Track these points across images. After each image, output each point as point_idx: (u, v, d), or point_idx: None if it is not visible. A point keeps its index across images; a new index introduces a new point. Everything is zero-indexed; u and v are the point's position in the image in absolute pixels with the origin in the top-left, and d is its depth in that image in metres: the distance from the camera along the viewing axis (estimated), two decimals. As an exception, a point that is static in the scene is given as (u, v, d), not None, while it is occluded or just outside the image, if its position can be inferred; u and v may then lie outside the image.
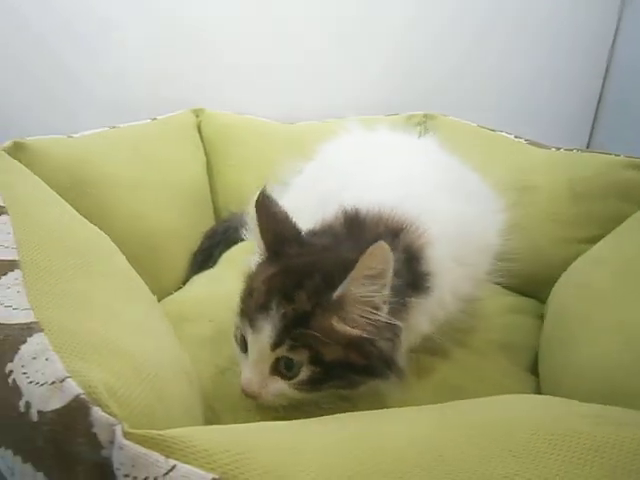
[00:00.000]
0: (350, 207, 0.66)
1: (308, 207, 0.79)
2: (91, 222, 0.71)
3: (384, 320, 0.55)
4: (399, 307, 0.57)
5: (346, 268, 0.53)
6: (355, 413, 0.48)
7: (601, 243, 0.79)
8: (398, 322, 0.56)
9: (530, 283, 0.93)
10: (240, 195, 1.17)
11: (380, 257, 0.51)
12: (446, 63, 1.43)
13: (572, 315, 0.65)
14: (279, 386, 0.57)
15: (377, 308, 0.54)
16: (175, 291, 0.92)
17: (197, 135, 1.21)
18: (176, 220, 0.98)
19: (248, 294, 0.59)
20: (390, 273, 0.53)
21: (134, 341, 0.44)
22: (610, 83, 1.44)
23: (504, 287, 0.97)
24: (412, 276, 0.60)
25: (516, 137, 1.08)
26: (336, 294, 0.54)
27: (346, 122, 0.95)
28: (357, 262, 0.51)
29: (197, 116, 1.23)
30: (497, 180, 0.85)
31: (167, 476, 0.31)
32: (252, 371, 0.57)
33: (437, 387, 0.66)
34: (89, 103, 1.23)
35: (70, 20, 1.20)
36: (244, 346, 0.58)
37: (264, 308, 0.55)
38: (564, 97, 1.49)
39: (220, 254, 1.05)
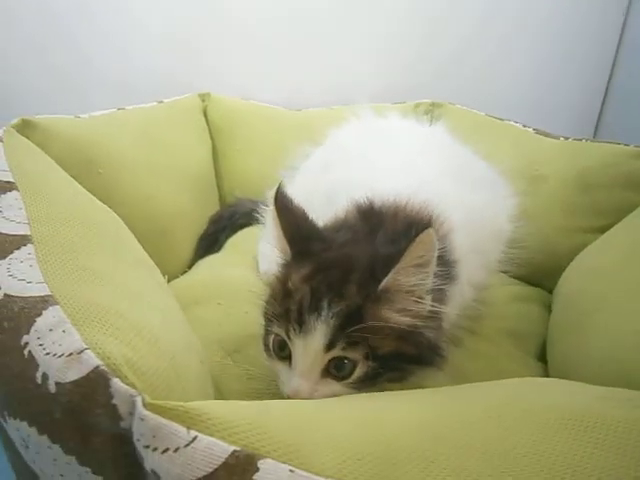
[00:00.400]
0: (363, 199, 0.64)
1: (318, 192, 0.79)
2: (103, 200, 0.71)
3: (431, 308, 0.54)
4: (439, 296, 0.56)
5: (390, 258, 0.51)
6: (366, 394, 0.48)
7: (612, 231, 0.79)
8: (444, 309, 0.56)
9: (537, 272, 0.92)
10: (246, 180, 1.17)
11: (428, 245, 0.50)
12: (450, 50, 1.41)
13: (585, 298, 0.65)
14: (332, 388, 0.53)
15: (423, 297, 0.54)
16: (181, 275, 0.91)
17: (203, 119, 1.20)
18: (183, 203, 0.98)
19: (284, 297, 0.55)
20: (435, 261, 0.52)
21: (149, 317, 0.44)
22: (617, 72, 1.44)
23: (511, 276, 0.97)
24: (442, 265, 0.58)
25: (524, 126, 1.08)
26: (383, 285, 0.52)
27: (356, 108, 0.94)
28: (404, 251, 0.50)
29: (203, 100, 1.22)
30: (505, 169, 0.85)
31: (189, 447, 0.31)
32: (301, 378, 0.53)
33: (450, 375, 0.65)
34: (98, 84, 1.23)
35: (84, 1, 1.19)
36: (281, 353, 0.55)
37: (313, 309, 0.51)
38: (571, 86, 1.48)
39: (226, 239, 1.05)
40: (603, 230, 0.83)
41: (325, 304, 0.51)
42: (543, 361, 0.72)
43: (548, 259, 0.90)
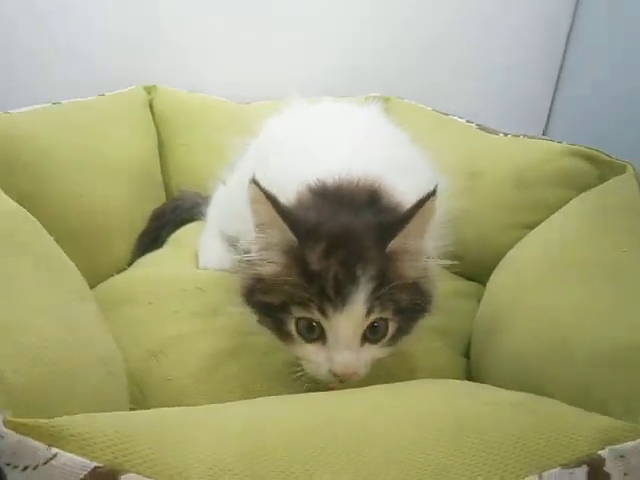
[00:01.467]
0: (313, 182, 0.65)
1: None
2: (24, 201, 0.69)
3: (424, 263, 0.60)
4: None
5: (398, 222, 0.56)
6: (249, 401, 0.48)
7: (535, 230, 0.80)
8: (440, 262, 0.64)
9: (474, 267, 0.93)
10: (193, 174, 1.16)
11: (432, 210, 0.56)
12: (409, 49, 1.42)
13: (498, 300, 0.66)
14: (373, 352, 0.58)
15: (422, 254, 0.60)
16: (118, 273, 0.90)
17: (148, 112, 1.18)
18: (120, 199, 0.96)
19: (308, 279, 0.55)
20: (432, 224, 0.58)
21: (40, 326, 0.44)
22: (565, 72, 1.45)
23: (451, 272, 0.98)
24: None
25: (468, 121, 1.09)
26: (396, 246, 0.57)
27: (292, 99, 0.94)
28: (413, 215, 0.55)
29: (149, 93, 1.20)
30: (445, 163, 0.85)
31: (48, 464, 0.31)
32: (347, 350, 0.55)
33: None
34: (41, 78, 1.20)
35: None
36: (310, 335, 0.57)
37: (350, 279, 0.54)
38: (522, 85, 1.49)
39: (168, 235, 1.04)
40: (536, 226, 0.84)
41: (360, 272, 0.54)
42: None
43: (485, 254, 0.91)
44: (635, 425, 0.37)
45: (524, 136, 0.97)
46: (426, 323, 0.77)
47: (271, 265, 0.58)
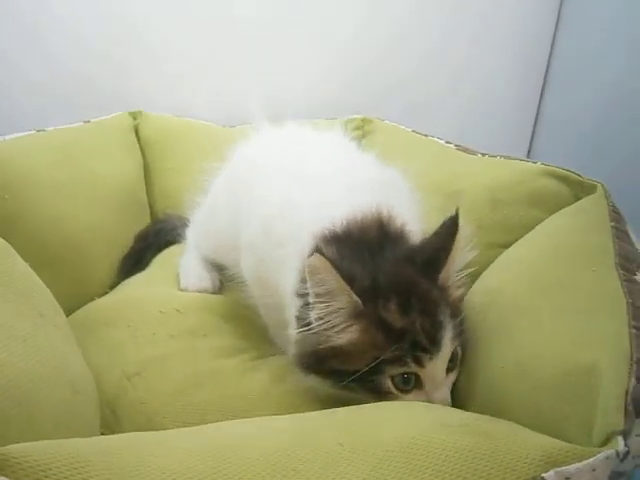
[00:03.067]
0: (324, 231, 0.64)
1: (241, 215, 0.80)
2: (5, 227, 0.71)
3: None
4: None
5: (440, 252, 0.61)
6: (221, 423, 0.49)
7: (507, 250, 0.81)
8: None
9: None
10: (178, 199, 1.17)
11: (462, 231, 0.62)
12: (392, 70, 1.43)
13: (472, 323, 0.66)
14: (451, 379, 0.62)
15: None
16: (98, 297, 0.91)
17: (134, 138, 1.20)
18: (104, 224, 0.97)
19: (396, 338, 0.56)
20: None
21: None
22: (547, 94, 1.48)
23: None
24: None
25: (447, 142, 1.10)
26: (444, 275, 0.62)
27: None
28: (453, 241, 0.61)
29: (135, 118, 1.22)
30: (424, 184, 0.87)
31: (-6, 493, 0.32)
32: (443, 388, 0.60)
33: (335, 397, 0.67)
34: (26, 103, 1.22)
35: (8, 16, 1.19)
36: (407, 387, 0.58)
37: (438, 327, 0.57)
38: (505, 105, 1.51)
39: (152, 257, 1.05)
40: (511, 245, 0.85)
41: (442, 316, 0.58)
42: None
43: (464, 274, 0.92)
44: (580, 447, 0.38)
45: (501, 157, 0.98)
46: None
47: (346, 333, 0.58)
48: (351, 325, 0.58)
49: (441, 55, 1.44)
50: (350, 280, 0.57)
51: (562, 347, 0.51)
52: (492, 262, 0.85)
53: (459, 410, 0.49)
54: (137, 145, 1.20)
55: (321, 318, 0.58)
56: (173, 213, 1.13)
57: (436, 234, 0.64)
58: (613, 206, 0.73)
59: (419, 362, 0.57)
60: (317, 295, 0.57)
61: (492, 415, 0.49)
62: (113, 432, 0.62)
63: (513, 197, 0.88)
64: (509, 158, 0.96)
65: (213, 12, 1.30)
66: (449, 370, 0.61)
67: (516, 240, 0.85)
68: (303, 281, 0.59)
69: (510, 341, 0.58)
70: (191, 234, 1.02)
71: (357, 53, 1.41)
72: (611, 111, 1.21)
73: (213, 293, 0.93)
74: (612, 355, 0.46)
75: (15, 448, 0.34)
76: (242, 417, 0.62)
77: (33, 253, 0.68)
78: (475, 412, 0.51)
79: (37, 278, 0.64)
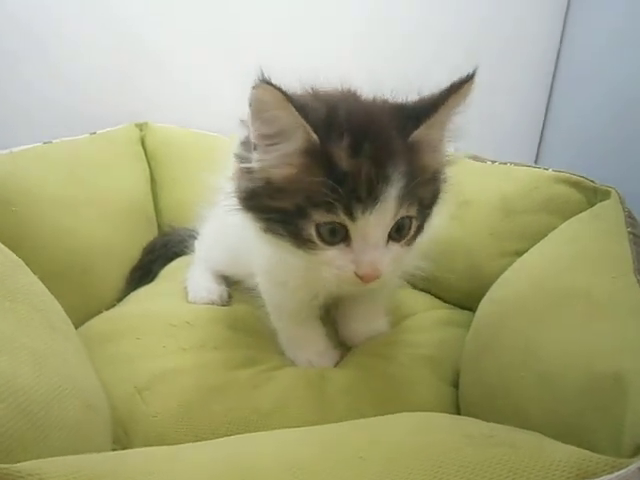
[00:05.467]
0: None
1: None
2: (16, 240, 0.70)
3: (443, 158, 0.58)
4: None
5: (425, 109, 0.53)
6: (236, 437, 0.48)
7: (522, 258, 0.79)
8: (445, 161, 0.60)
9: (466, 295, 0.93)
10: (183, 209, 1.17)
11: (466, 96, 0.54)
12: (400, 77, 1.43)
13: (485, 330, 0.65)
14: (394, 251, 0.55)
15: (443, 145, 0.57)
16: (106, 309, 0.90)
17: (140, 149, 1.20)
18: (111, 236, 0.97)
19: (338, 180, 0.50)
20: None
21: (10, 365, 0.43)
22: (555, 101, 1.47)
23: (441, 300, 0.98)
24: None
25: (455, 149, 1.09)
26: (418, 134, 0.53)
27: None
28: (445, 100, 0.53)
29: (141, 130, 1.22)
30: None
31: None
32: (375, 249, 0.53)
33: (349, 407, 0.66)
34: (32, 116, 1.23)
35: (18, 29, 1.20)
36: (333, 239, 0.54)
37: (382, 179, 0.51)
38: (513, 113, 1.51)
39: (160, 269, 1.05)
40: (525, 252, 0.84)
41: (391, 169, 0.51)
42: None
43: (475, 282, 0.90)
44: (611, 458, 0.37)
45: (511, 163, 0.97)
46: (416, 352, 0.77)
47: (285, 168, 0.53)
48: (295, 161, 0.53)
49: (446, 61, 1.43)
50: (307, 115, 0.51)
51: (585, 356, 0.50)
52: (505, 269, 0.84)
53: (480, 421, 0.47)
54: (144, 156, 1.20)
55: (268, 153, 0.53)
56: (179, 226, 1.13)
57: (434, 94, 0.56)
58: (629, 212, 0.72)
59: (350, 213, 0.51)
60: (264, 137, 0.52)
61: (513, 426, 0.48)
62: (124, 446, 0.61)
63: (525, 204, 0.87)
64: (520, 165, 0.95)
65: (218, 24, 1.30)
66: (394, 240, 0.55)
67: (529, 247, 0.84)
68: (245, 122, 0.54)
69: (530, 351, 0.56)
70: (199, 247, 1.01)
71: (362, 61, 1.40)
72: (620, 117, 1.20)
73: (221, 305, 0.92)
74: (637, 364, 0.44)
75: (28, 466, 0.33)
76: (254, 430, 0.62)
77: (42, 265, 0.67)
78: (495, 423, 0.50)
79: (47, 291, 0.63)
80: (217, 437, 0.55)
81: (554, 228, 0.81)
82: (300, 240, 0.54)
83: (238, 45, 1.32)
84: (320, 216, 0.52)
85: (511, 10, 1.40)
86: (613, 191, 0.77)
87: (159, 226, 1.19)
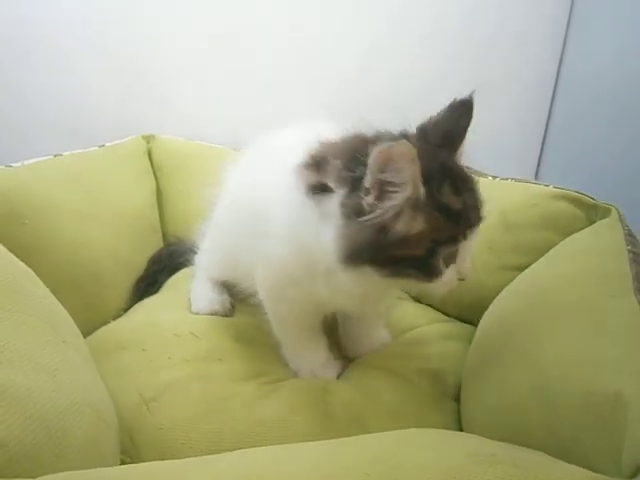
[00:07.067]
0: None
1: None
2: (27, 253, 0.71)
3: None
4: None
5: (457, 132, 0.65)
6: (244, 451, 0.49)
7: (523, 273, 0.81)
8: None
9: (468, 309, 0.94)
10: (188, 221, 1.17)
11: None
12: (402, 93, 1.44)
13: (487, 348, 0.67)
14: None
15: None
16: (113, 319, 0.91)
17: (147, 161, 1.21)
18: (119, 247, 0.98)
19: (454, 220, 0.58)
20: None
21: (28, 381, 0.44)
22: (554, 118, 1.49)
23: (443, 313, 0.99)
24: None
25: (457, 165, 1.10)
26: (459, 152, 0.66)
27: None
28: (469, 122, 0.67)
29: (148, 142, 1.24)
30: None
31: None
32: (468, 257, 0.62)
33: (352, 420, 0.67)
34: (40, 128, 1.24)
35: (25, 45, 1.22)
36: (450, 262, 0.61)
37: (480, 200, 0.62)
38: (513, 129, 1.52)
39: (165, 280, 1.06)
40: (526, 268, 0.85)
41: (476, 189, 0.62)
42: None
43: (476, 296, 0.91)
44: (612, 478, 0.38)
45: (512, 179, 0.98)
46: (418, 365, 0.78)
47: (408, 220, 0.58)
48: (415, 213, 0.58)
49: (445, 77, 1.45)
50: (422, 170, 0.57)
51: (585, 374, 0.51)
52: (505, 285, 0.86)
53: (484, 438, 0.49)
54: (150, 169, 1.21)
55: (383, 208, 0.57)
56: (184, 237, 1.14)
57: (448, 115, 0.67)
58: (628, 230, 0.73)
59: (465, 237, 0.60)
60: (386, 184, 0.56)
61: (512, 442, 0.49)
62: (132, 458, 0.62)
63: (526, 220, 0.88)
64: (520, 181, 0.97)
65: (224, 39, 1.32)
66: None
67: (529, 262, 0.85)
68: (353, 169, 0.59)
69: (530, 367, 0.57)
70: (199, 259, 1.02)
71: (365, 82, 1.43)
72: (619, 134, 1.22)
73: (224, 315, 0.93)
74: (637, 383, 0.45)
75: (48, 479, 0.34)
76: (259, 442, 0.63)
77: (51, 277, 0.69)
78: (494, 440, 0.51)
79: (58, 303, 0.64)
80: (222, 448, 0.56)
81: (554, 244, 0.83)
82: (431, 274, 0.60)
83: (246, 58, 1.35)
84: (448, 249, 0.60)
85: (512, 31, 1.42)
86: (613, 209, 0.79)
87: (165, 237, 1.20)
